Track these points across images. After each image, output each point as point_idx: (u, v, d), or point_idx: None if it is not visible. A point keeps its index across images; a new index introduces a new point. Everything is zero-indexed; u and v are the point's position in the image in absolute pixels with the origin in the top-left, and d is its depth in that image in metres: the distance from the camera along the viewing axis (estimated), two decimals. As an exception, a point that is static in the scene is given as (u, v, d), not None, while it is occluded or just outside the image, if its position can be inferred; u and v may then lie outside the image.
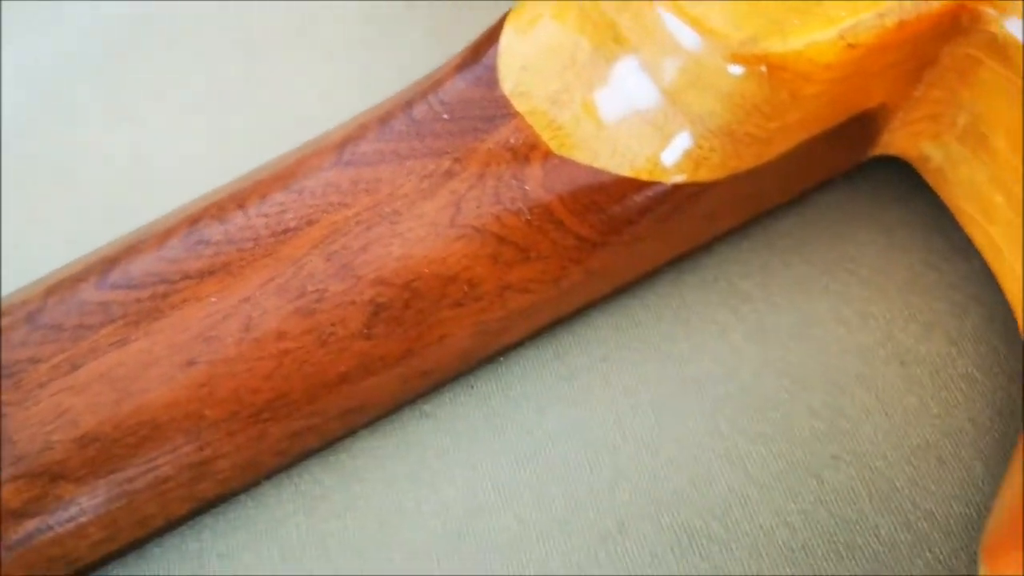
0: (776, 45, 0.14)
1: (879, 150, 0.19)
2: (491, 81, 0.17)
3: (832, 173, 0.19)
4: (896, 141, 0.18)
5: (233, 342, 0.16)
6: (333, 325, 0.16)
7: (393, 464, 0.18)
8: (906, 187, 0.19)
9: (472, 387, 0.18)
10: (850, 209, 0.20)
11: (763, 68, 0.15)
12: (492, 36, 0.18)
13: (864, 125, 0.17)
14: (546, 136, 0.17)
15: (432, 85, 0.18)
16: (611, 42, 0.16)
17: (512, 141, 0.17)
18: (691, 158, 0.16)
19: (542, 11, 0.17)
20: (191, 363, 0.16)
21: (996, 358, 0.18)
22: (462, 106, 0.17)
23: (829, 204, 0.20)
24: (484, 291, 0.16)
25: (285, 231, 0.16)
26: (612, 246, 0.17)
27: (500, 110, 0.17)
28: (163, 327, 0.16)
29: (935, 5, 0.15)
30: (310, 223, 0.16)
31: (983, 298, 0.18)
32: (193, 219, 0.17)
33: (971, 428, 0.17)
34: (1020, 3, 0.15)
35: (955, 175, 0.17)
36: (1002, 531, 0.15)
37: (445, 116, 0.17)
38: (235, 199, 0.17)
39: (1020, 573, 0.14)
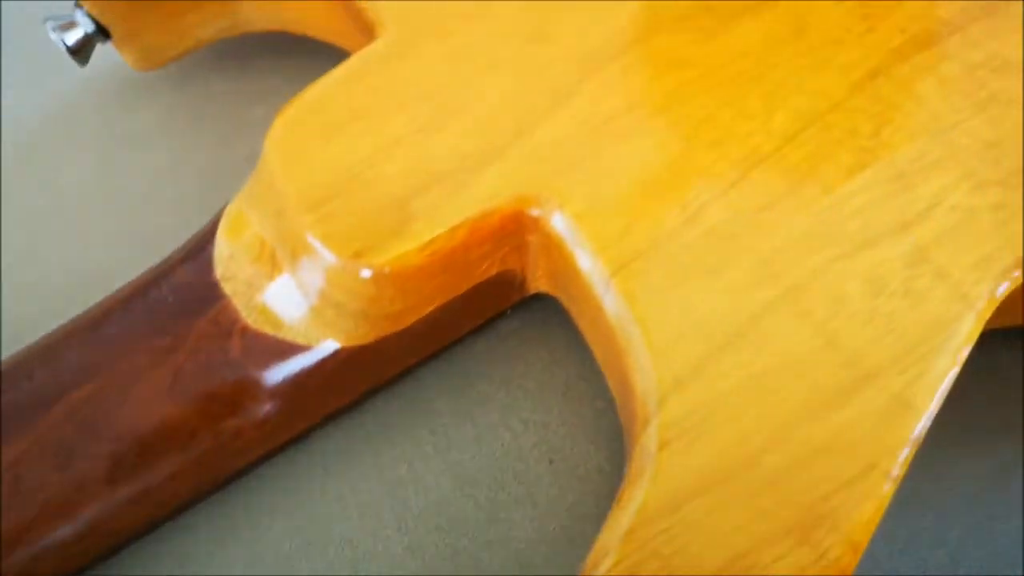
0: (376, 257, 0.19)
1: (533, 290, 0.23)
2: (207, 268, 0.22)
3: (498, 309, 0.24)
4: (540, 286, 0.23)
5: (8, 492, 0.21)
6: (83, 474, 0.21)
7: (153, 570, 0.23)
8: (565, 315, 0.24)
9: (225, 502, 0.23)
10: (524, 334, 0.24)
11: (373, 272, 0.19)
12: (211, 229, 0.23)
13: (505, 281, 0.22)
14: (244, 314, 0.21)
15: (163, 271, 0.22)
16: (272, 255, 0.21)
17: (219, 319, 0.22)
18: (342, 331, 0.21)
19: (241, 218, 0.22)
20: (-20, 508, 0.21)
21: (624, 453, 0.23)
22: (184, 289, 0.22)
23: (508, 330, 0.24)
24: (201, 437, 0.21)
25: (43, 404, 0.21)
26: (301, 394, 0.22)
27: (212, 292, 0.22)
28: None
29: (496, 217, 0.19)
30: (63, 396, 0.21)
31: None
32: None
33: (596, 512, 0.22)
34: (560, 201, 0.19)
35: (574, 311, 0.22)
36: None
37: (170, 299, 0.22)
38: (10, 377, 0.22)
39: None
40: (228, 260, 0.22)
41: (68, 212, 0.28)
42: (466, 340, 0.24)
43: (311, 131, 0.20)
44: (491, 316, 0.24)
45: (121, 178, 0.28)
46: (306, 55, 0.29)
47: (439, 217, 0.19)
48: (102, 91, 0.30)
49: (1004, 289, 0.17)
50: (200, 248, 0.22)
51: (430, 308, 0.21)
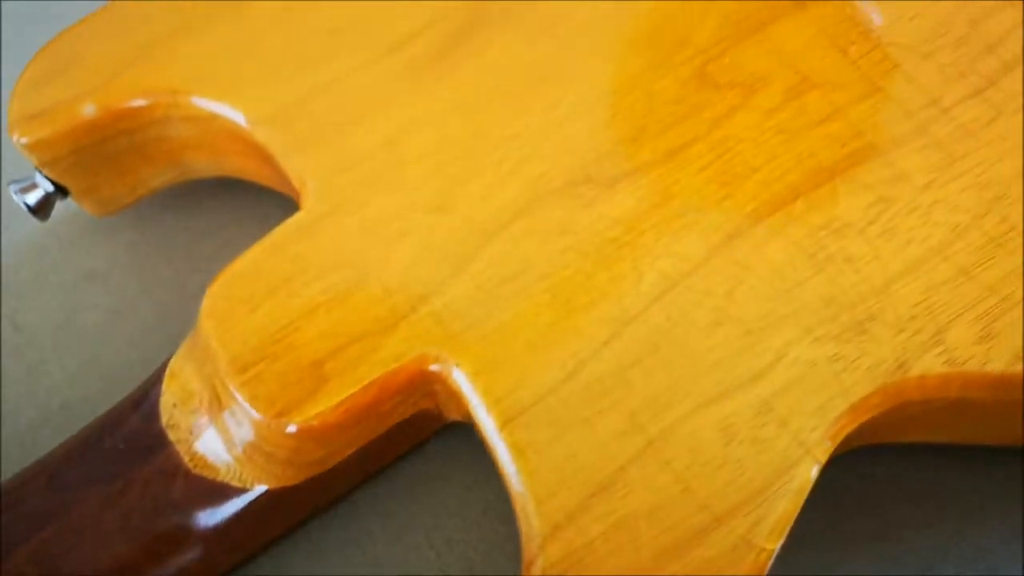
0: (297, 415, 0.22)
1: (451, 419, 0.26)
2: (154, 416, 0.25)
3: (420, 439, 0.26)
4: (456, 417, 0.25)
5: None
6: (43, 615, 0.23)
7: None
8: (482, 439, 0.26)
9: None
10: (448, 456, 0.27)
11: (297, 428, 0.22)
12: (159, 376, 0.25)
13: (422, 417, 0.25)
14: (187, 459, 0.24)
15: (116, 418, 0.25)
16: (209, 407, 0.23)
17: (165, 464, 0.24)
18: (273, 475, 0.23)
19: (182, 372, 0.24)
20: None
21: (536, 568, 0.25)
22: (133, 437, 0.24)
23: (433, 452, 0.27)
24: (150, 574, 0.24)
25: (8, 548, 0.23)
26: (240, 530, 0.24)
27: (158, 440, 0.24)
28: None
29: (402, 374, 0.22)
30: (25, 541, 0.24)
31: (531, 522, 0.26)
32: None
33: (511, 625, 0.25)
34: (457, 360, 0.22)
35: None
36: None
37: (122, 446, 0.24)
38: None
39: None
40: (172, 409, 0.24)
41: (33, 349, 0.30)
42: (394, 463, 0.27)
43: (240, 300, 0.23)
44: (415, 444, 0.26)
45: (83, 315, 0.31)
46: (251, 194, 0.32)
47: (351, 378, 0.22)
48: (64, 232, 0.32)
49: (836, 436, 0.20)
50: (147, 396, 0.25)
51: (353, 450, 0.23)
